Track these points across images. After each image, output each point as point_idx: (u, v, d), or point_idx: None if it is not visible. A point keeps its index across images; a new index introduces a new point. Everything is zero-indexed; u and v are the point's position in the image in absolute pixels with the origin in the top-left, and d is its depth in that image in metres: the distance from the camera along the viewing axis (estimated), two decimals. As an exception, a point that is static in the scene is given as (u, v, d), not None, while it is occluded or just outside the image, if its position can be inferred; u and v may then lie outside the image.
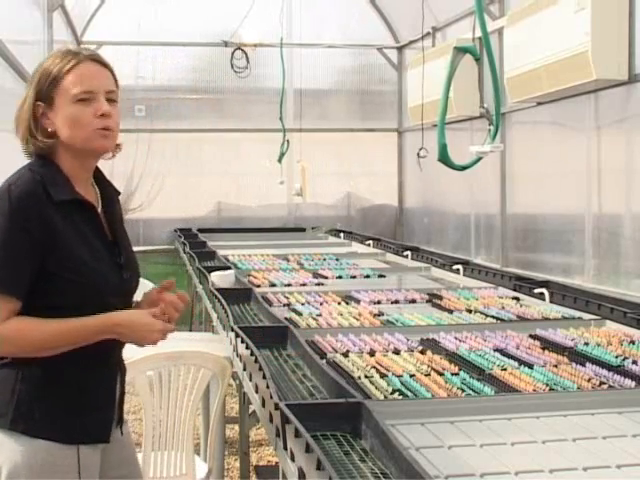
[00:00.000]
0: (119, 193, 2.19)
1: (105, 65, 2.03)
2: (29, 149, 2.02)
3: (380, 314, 3.26)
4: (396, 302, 3.65)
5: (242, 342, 2.69)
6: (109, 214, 2.10)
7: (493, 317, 3.23)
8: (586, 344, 2.67)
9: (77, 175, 2.02)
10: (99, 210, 2.07)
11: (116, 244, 2.07)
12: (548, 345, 2.68)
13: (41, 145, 1.99)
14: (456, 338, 2.78)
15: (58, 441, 1.91)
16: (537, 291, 3.70)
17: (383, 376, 2.30)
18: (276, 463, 4.64)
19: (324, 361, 2.45)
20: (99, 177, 2.12)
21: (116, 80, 2.06)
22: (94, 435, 1.99)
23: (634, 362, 2.42)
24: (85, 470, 1.95)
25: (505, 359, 2.49)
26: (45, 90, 1.96)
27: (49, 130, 1.98)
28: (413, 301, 3.68)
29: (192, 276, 5.00)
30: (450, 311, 3.38)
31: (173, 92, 8.27)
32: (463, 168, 3.94)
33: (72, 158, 2.00)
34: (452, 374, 2.32)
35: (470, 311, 3.37)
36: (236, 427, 4.61)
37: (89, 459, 1.97)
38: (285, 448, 1.82)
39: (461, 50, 3.65)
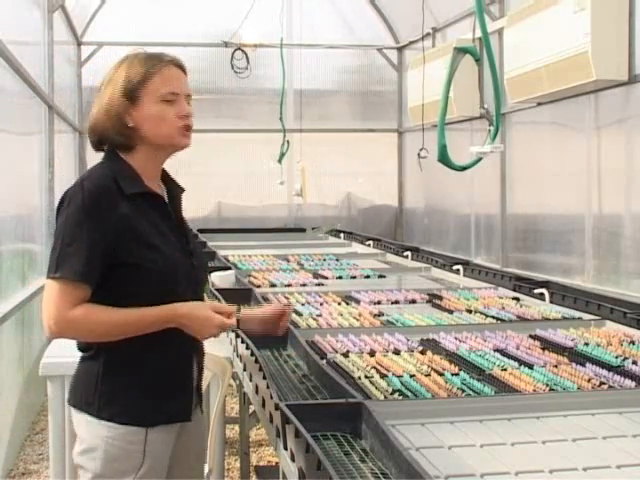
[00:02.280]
0: (183, 190, 2.29)
1: (184, 71, 2.17)
2: (106, 143, 2.13)
3: (380, 314, 3.26)
4: (396, 302, 3.65)
5: (242, 342, 2.70)
6: (174, 208, 2.22)
7: (493, 317, 3.23)
8: (586, 344, 2.67)
9: (147, 171, 2.15)
10: (165, 200, 2.20)
11: (184, 233, 2.20)
12: (548, 345, 2.68)
13: (121, 140, 2.10)
14: (456, 338, 2.78)
15: (135, 425, 2.04)
16: (537, 291, 3.69)
17: (383, 376, 2.30)
18: (276, 463, 4.64)
19: (324, 361, 2.45)
20: (164, 175, 2.26)
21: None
22: (171, 417, 2.11)
23: (634, 362, 2.42)
24: (149, 452, 2.06)
25: (505, 359, 2.49)
26: (131, 88, 2.08)
27: (129, 125, 2.09)
28: (413, 301, 3.68)
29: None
30: (450, 311, 3.38)
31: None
32: (463, 168, 3.94)
33: (147, 153, 2.14)
34: (452, 374, 2.32)
35: (470, 311, 3.37)
36: (236, 427, 4.62)
37: (157, 442, 2.07)
38: (285, 448, 1.82)
39: (461, 50, 3.66)
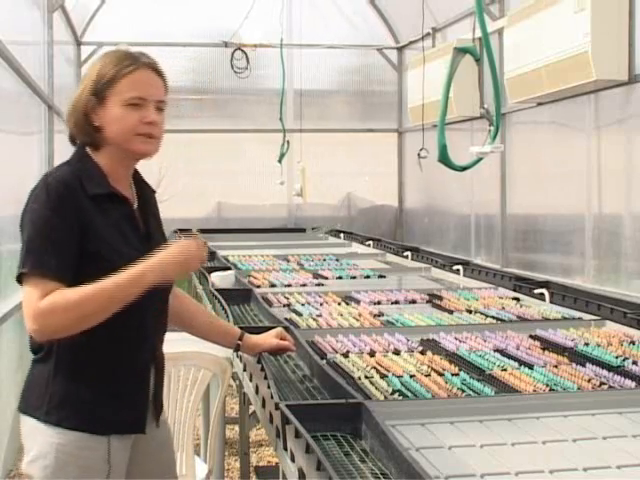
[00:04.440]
0: (154, 192, 2.27)
1: (160, 74, 2.13)
2: (77, 139, 2.12)
3: (380, 314, 3.26)
4: (396, 302, 3.65)
5: (242, 342, 2.69)
6: (144, 211, 2.18)
7: (493, 317, 3.23)
8: (586, 344, 2.67)
9: (115, 172, 2.11)
10: (135, 206, 2.15)
11: (149, 238, 2.14)
12: (548, 345, 2.68)
13: (86, 137, 2.09)
14: (456, 338, 2.78)
15: (89, 432, 1.99)
16: (537, 291, 3.69)
17: (383, 376, 2.30)
18: (276, 464, 4.64)
19: (324, 361, 2.45)
20: (137, 178, 2.22)
21: (167, 88, 2.18)
22: (126, 426, 2.06)
23: (634, 362, 2.42)
24: (114, 462, 2.01)
25: (505, 359, 2.48)
26: (100, 87, 2.05)
27: (95, 124, 2.07)
28: (413, 301, 3.68)
29: (192, 276, 5.00)
30: (450, 311, 3.38)
31: (173, 92, 8.14)
32: (463, 169, 3.94)
33: (112, 155, 2.10)
34: (452, 374, 2.32)
35: (470, 311, 3.37)
36: (236, 428, 4.61)
37: (119, 451, 2.03)
38: (285, 449, 1.82)
39: (461, 50, 3.66)
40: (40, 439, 2.00)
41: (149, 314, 2.09)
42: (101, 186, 2.05)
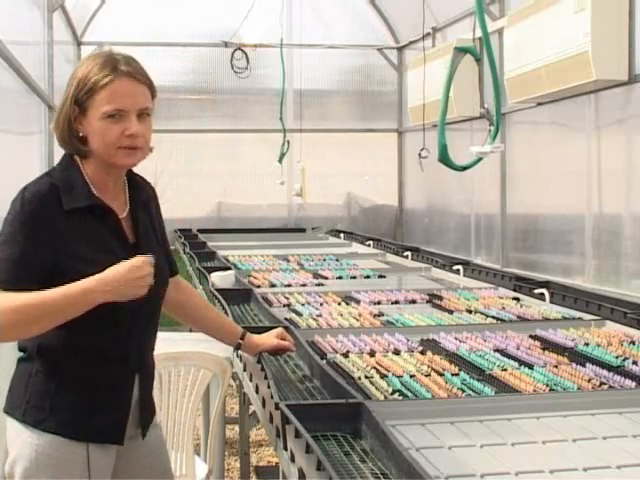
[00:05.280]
0: (153, 190, 2.22)
1: (142, 80, 2.02)
2: (62, 148, 2.07)
3: (380, 314, 3.26)
4: (396, 302, 3.65)
5: (242, 342, 2.69)
6: (135, 217, 2.10)
7: (493, 317, 3.23)
8: (586, 344, 2.67)
9: (102, 181, 2.04)
10: (125, 214, 2.08)
11: (138, 247, 2.05)
12: (548, 345, 2.68)
13: (72, 148, 2.03)
14: (456, 338, 2.78)
15: (66, 436, 1.96)
16: (537, 291, 3.69)
17: (383, 376, 2.30)
18: (276, 463, 4.64)
19: (324, 361, 2.45)
20: (131, 178, 2.14)
21: (153, 92, 2.06)
22: (104, 435, 2.01)
23: (634, 362, 2.42)
24: (95, 469, 1.98)
25: (505, 359, 2.49)
26: (81, 97, 1.99)
27: (80, 135, 2.01)
28: (413, 301, 3.68)
29: (192, 277, 5.00)
30: (450, 311, 3.38)
31: (173, 92, 8.27)
32: (463, 168, 3.94)
33: (98, 165, 2.03)
34: (452, 374, 2.32)
35: (470, 311, 3.37)
36: (236, 427, 4.62)
37: (99, 459, 1.99)
38: (285, 448, 1.82)
39: (461, 50, 3.66)
40: (21, 440, 1.97)
41: (137, 319, 2.03)
42: (81, 199, 1.98)
